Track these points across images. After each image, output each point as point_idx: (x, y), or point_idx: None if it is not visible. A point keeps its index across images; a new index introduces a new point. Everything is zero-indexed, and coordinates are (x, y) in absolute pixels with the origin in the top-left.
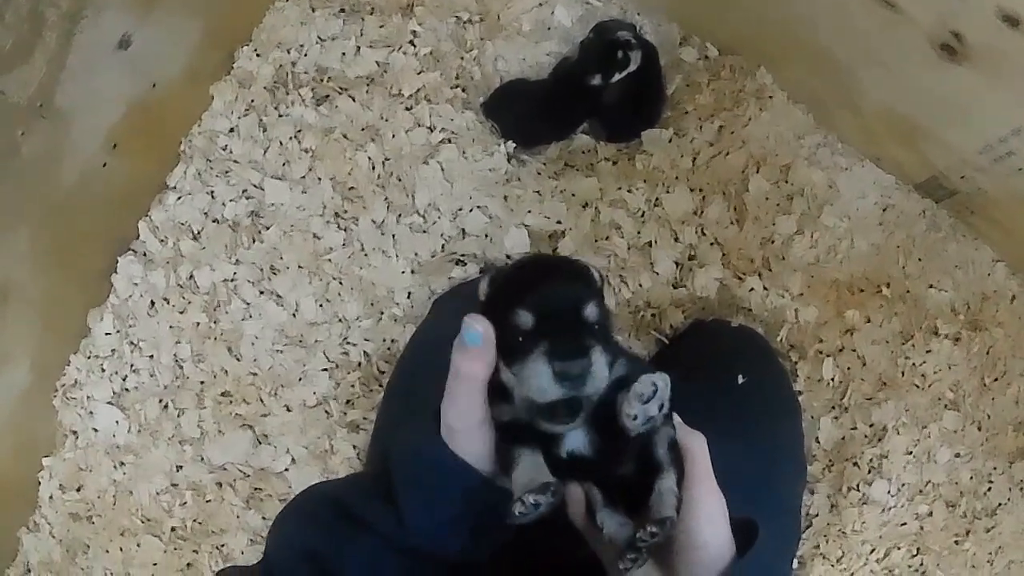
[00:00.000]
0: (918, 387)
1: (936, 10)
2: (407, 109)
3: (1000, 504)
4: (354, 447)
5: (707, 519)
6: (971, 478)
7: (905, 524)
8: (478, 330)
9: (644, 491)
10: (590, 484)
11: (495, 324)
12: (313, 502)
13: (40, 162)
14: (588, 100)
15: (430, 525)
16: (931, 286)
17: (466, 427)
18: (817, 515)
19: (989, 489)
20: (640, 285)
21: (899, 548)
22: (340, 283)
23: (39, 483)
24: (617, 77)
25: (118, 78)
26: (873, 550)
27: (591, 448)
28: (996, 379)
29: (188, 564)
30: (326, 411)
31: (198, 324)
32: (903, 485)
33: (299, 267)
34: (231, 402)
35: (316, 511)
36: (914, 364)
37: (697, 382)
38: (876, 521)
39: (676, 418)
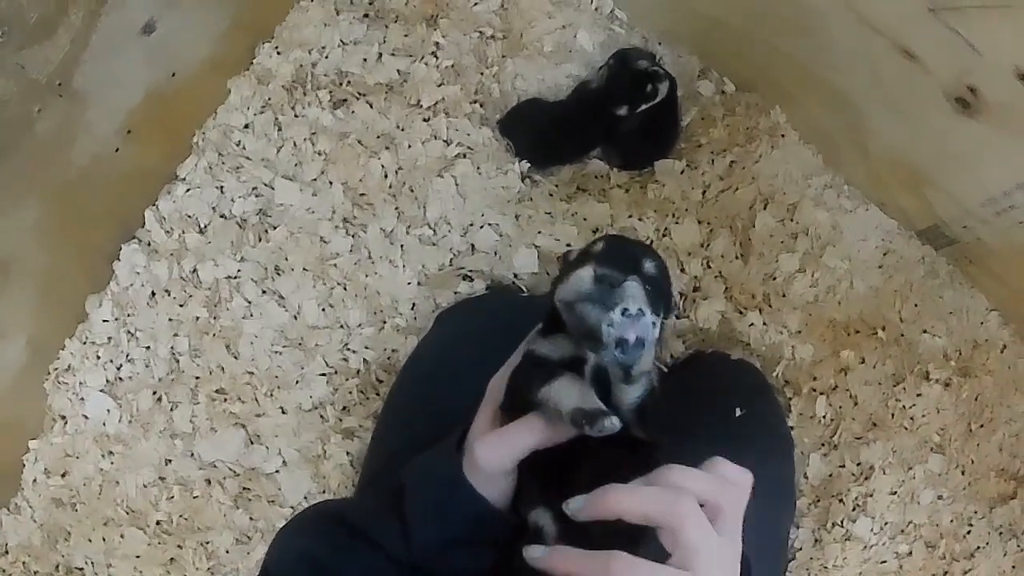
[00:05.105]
0: (906, 429)
1: (955, 64)
2: (424, 120)
3: (979, 548)
4: (347, 454)
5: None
6: (952, 521)
7: (885, 562)
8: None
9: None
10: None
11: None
12: (317, 516)
13: (53, 141)
14: (605, 126)
15: (439, 549)
16: (925, 331)
17: (499, 471)
18: (800, 549)
19: (969, 532)
20: None
21: None
22: (344, 289)
23: (23, 465)
24: (643, 108)
25: (139, 63)
26: None
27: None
28: (982, 425)
29: (171, 559)
30: (321, 416)
31: (198, 319)
32: (886, 524)
33: (304, 270)
34: (225, 400)
35: (319, 524)
36: (904, 406)
37: (695, 412)
38: (857, 558)
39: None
